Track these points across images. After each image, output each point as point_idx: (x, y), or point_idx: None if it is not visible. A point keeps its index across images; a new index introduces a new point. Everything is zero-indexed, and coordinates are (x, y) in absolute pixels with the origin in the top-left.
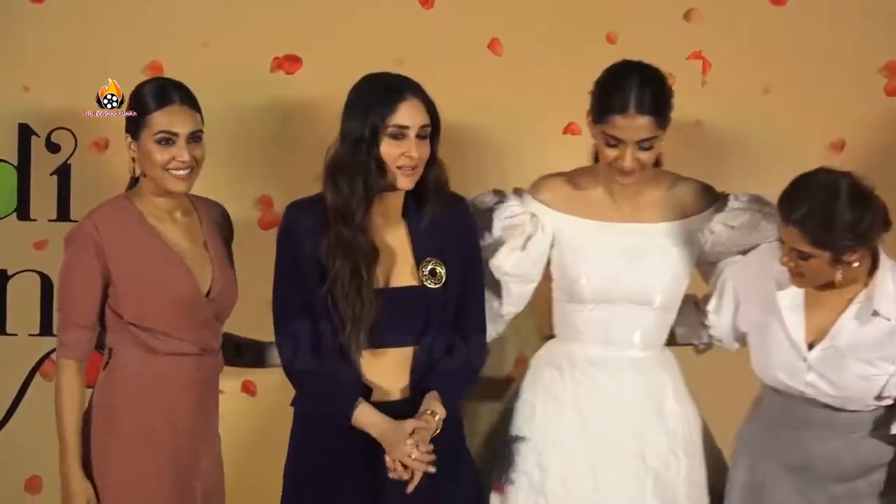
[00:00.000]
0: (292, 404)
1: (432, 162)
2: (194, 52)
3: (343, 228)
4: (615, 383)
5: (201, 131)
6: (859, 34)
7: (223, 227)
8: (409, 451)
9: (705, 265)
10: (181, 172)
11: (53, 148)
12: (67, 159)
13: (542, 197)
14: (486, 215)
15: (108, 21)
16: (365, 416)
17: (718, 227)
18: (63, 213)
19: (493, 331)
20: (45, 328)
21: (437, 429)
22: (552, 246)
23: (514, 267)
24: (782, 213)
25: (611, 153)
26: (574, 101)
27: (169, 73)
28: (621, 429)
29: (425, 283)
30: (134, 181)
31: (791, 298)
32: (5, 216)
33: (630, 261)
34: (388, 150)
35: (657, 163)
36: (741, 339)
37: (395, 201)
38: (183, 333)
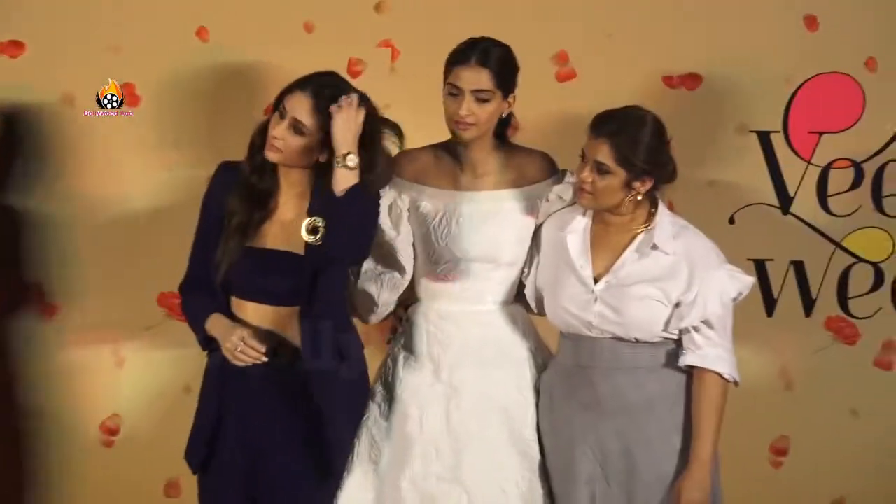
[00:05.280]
0: None
1: None
2: None
3: None
4: (464, 334)
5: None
6: None
7: None
8: (235, 343)
9: None
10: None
11: None
12: None
13: (399, 171)
14: None
15: None
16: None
17: (553, 197)
18: None
19: (391, 298)
20: None
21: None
22: (410, 212)
23: (391, 232)
24: (594, 128)
25: (452, 106)
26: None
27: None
28: (469, 374)
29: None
30: None
31: (579, 243)
32: None
33: (477, 224)
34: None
35: (503, 136)
36: (540, 301)
37: None
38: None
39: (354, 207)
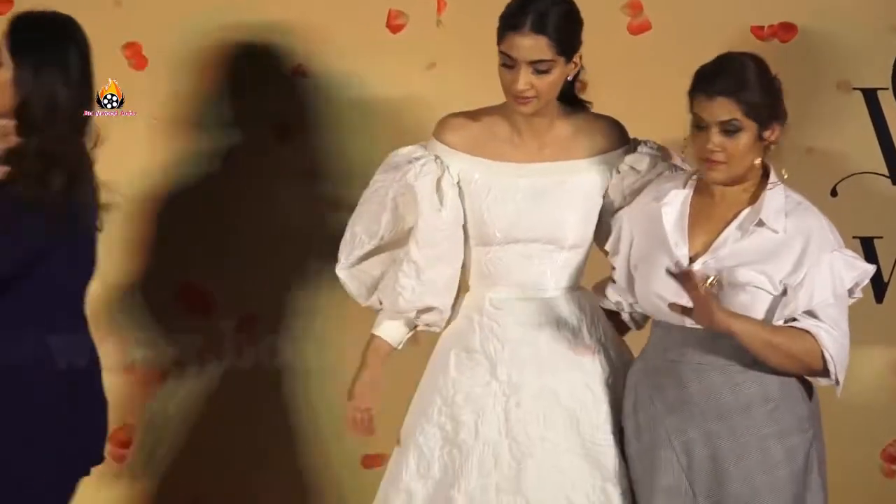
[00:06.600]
0: None
1: None
2: None
3: None
4: (522, 325)
5: None
6: None
7: None
8: None
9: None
10: None
11: None
12: None
13: (447, 139)
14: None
15: None
16: None
17: (625, 168)
18: None
19: (450, 299)
20: None
21: None
22: (460, 187)
23: (438, 214)
24: (705, 88)
25: (507, 77)
26: None
27: None
28: (529, 370)
29: None
30: None
31: (676, 217)
32: None
33: (536, 200)
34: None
35: (571, 99)
36: (631, 284)
37: None
38: None
39: None
